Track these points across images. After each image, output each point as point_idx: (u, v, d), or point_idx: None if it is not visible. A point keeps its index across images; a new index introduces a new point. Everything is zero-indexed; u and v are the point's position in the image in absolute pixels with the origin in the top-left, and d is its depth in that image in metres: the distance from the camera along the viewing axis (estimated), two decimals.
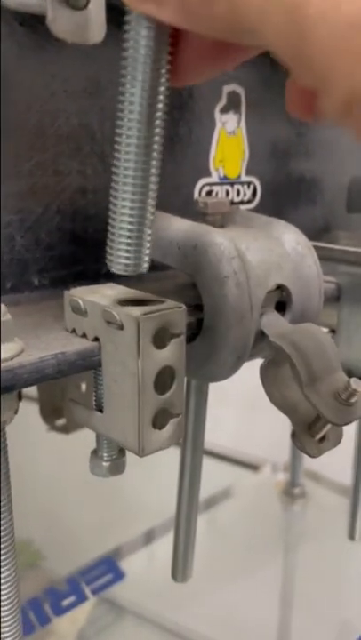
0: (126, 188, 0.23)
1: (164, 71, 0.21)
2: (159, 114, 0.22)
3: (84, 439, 0.33)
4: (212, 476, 0.48)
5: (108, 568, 0.71)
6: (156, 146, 0.23)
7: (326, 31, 0.13)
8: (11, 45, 0.28)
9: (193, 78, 0.21)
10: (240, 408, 1.01)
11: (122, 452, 0.28)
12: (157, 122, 0.22)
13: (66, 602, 0.66)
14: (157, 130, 0.22)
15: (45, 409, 0.52)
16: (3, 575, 0.26)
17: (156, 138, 0.23)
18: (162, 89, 0.22)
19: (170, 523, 0.83)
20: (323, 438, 0.29)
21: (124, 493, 0.81)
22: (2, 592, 0.26)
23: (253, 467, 0.99)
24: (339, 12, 0.13)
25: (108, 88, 0.32)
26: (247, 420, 1.05)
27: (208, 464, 0.45)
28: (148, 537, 0.82)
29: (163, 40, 0.20)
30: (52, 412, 0.51)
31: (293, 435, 0.29)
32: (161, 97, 0.22)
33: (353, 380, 0.26)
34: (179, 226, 0.30)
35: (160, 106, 0.22)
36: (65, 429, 0.52)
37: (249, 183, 0.43)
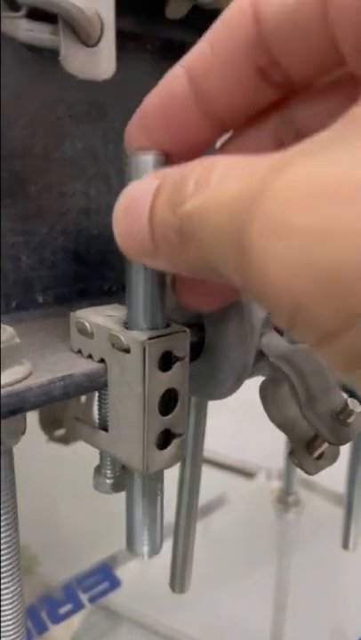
0: None
1: None
2: None
3: (81, 446, 0.33)
4: (207, 483, 0.48)
5: (104, 576, 0.72)
6: None
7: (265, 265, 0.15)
8: (18, 70, 0.29)
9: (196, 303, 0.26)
10: (235, 415, 1.01)
11: (125, 468, 0.29)
12: None
13: (62, 610, 0.66)
14: None
15: (45, 419, 0.52)
16: (7, 590, 0.27)
17: None
18: None
19: (166, 530, 0.83)
20: (320, 456, 0.29)
21: (120, 501, 0.82)
22: (6, 605, 0.27)
23: (248, 474, 1.00)
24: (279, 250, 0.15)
25: (111, 112, 0.33)
26: (242, 427, 1.05)
27: (203, 471, 0.45)
28: None
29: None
30: (52, 423, 0.52)
31: (291, 452, 0.30)
32: None
33: (350, 401, 0.27)
34: None
35: None
36: (64, 440, 0.52)
37: None
